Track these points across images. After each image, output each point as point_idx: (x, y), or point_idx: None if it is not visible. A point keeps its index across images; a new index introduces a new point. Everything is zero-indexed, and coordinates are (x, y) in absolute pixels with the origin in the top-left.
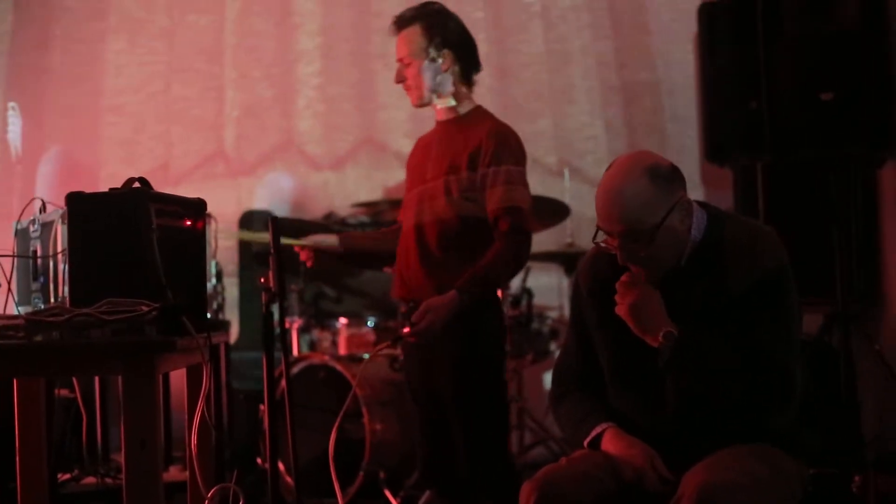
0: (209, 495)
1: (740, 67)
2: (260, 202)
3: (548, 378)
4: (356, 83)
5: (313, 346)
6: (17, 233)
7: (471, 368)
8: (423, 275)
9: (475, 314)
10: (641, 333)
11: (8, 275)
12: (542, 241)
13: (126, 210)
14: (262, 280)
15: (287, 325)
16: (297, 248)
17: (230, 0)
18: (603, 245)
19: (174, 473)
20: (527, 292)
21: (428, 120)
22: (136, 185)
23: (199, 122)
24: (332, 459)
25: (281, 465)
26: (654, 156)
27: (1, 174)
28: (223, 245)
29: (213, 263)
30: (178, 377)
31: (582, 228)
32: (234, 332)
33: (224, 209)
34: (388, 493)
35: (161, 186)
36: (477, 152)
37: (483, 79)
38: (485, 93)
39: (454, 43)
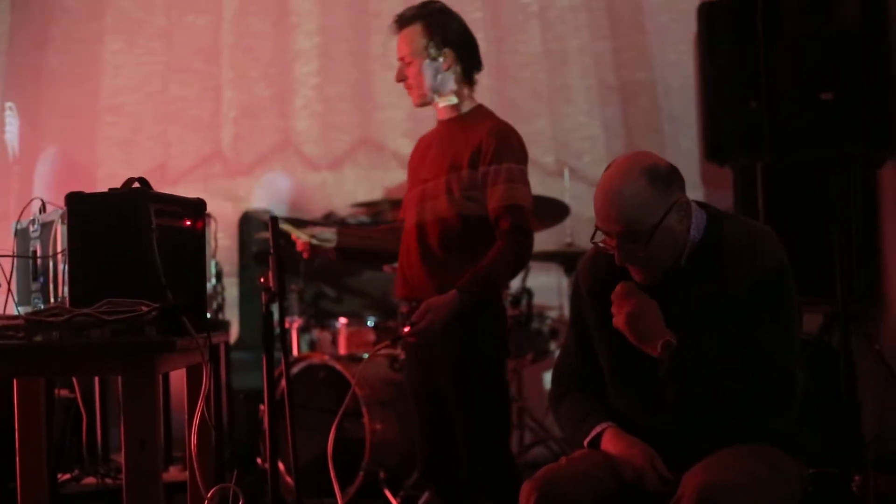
0: (209, 495)
1: (740, 67)
2: (257, 202)
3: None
4: (354, 83)
5: (313, 345)
6: (16, 233)
7: (471, 368)
8: (424, 274)
9: (476, 314)
10: (640, 344)
11: (8, 275)
12: (542, 240)
13: (126, 210)
14: (262, 280)
15: (287, 325)
16: (294, 237)
17: (227, 0)
18: (601, 245)
19: (174, 473)
20: (526, 292)
21: (426, 120)
22: (136, 185)
23: (196, 123)
24: (330, 459)
25: (281, 465)
26: (653, 156)
27: None
28: (223, 245)
29: (212, 263)
30: (178, 377)
31: (580, 228)
32: (233, 332)
33: (222, 209)
34: (388, 493)
35: (159, 187)
36: (478, 151)
37: (480, 79)
38: (482, 93)
39: (455, 42)
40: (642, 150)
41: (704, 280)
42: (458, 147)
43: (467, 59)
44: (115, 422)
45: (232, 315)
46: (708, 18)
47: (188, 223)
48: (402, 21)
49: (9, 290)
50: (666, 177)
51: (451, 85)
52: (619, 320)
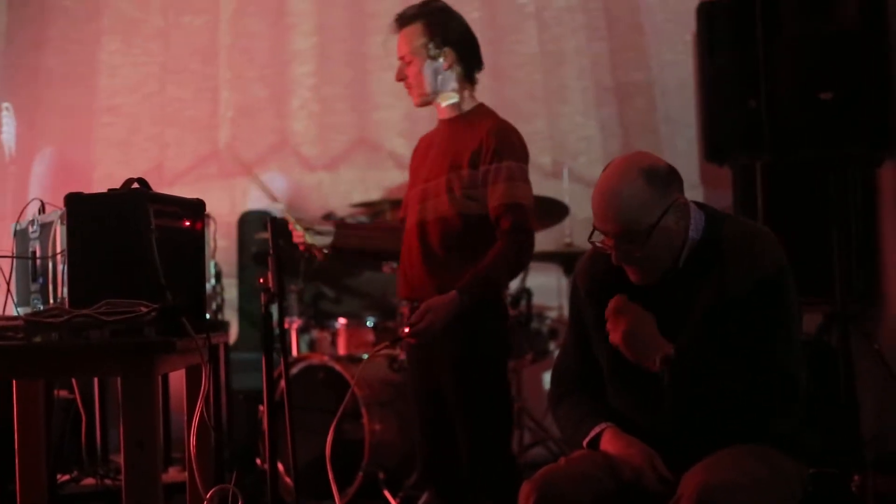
0: (208, 496)
1: (739, 67)
2: (254, 203)
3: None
4: (350, 83)
5: (312, 346)
6: (16, 233)
7: (471, 368)
8: (425, 274)
9: (476, 315)
10: (637, 360)
11: (7, 276)
12: (541, 241)
13: (125, 211)
14: (261, 280)
15: (286, 326)
16: (291, 226)
17: (224, 1)
18: (599, 245)
19: (173, 474)
20: (526, 292)
21: (422, 120)
22: (136, 185)
23: (193, 123)
24: (329, 460)
25: (280, 466)
26: (651, 157)
27: None
28: (220, 245)
29: (212, 264)
30: (178, 378)
31: (576, 229)
32: (233, 333)
33: (219, 210)
34: (387, 494)
35: (156, 187)
36: (478, 150)
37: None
38: (479, 93)
39: (455, 41)
40: (641, 151)
41: (703, 281)
42: (458, 146)
43: (468, 58)
44: (114, 423)
45: (231, 316)
46: (707, 18)
47: (187, 224)
48: (403, 20)
49: (8, 290)
50: (664, 177)
51: (452, 84)
52: (615, 337)
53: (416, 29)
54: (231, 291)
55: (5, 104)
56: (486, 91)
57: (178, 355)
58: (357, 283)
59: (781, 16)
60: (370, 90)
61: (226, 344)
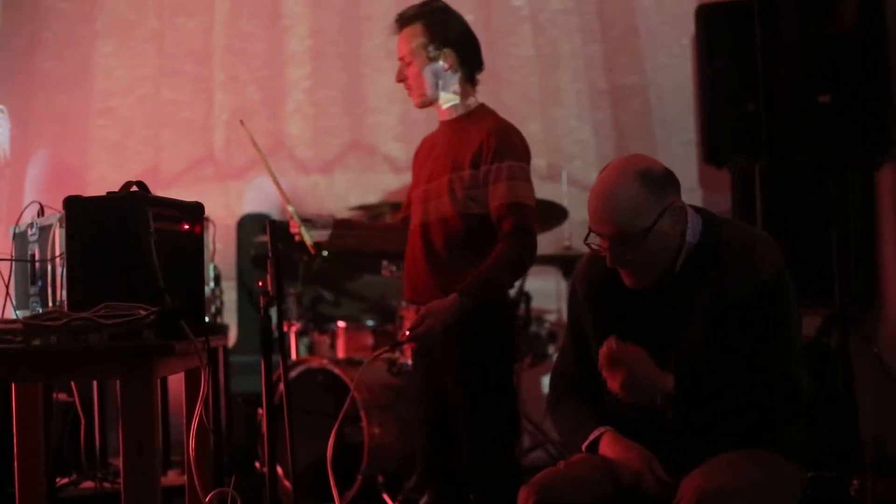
0: (207, 499)
1: (738, 70)
2: (249, 206)
3: (546, 381)
4: (345, 87)
5: (312, 349)
6: (15, 236)
7: (474, 373)
8: (429, 276)
9: (479, 318)
10: (642, 401)
11: (6, 279)
12: (540, 243)
13: (124, 214)
14: (260, 283)
15: (285, 329)
16: (289, 216)
17: (219, 2)
18: (594, 247)
19: (172, 478)
20: (525, 295)
21: (417, 123)
22: (134, 188)
23: (188, 126)
24: (330, 463)
25: (279, 470)
26: (648, 160)
27: None
28: (220, 248)
29: (211, 267)
30: (177, 381)
31: (575, 232)
32: (232, 336)
33: (215, 213)
34: (386, 498)
35: (151, 190)
36: (479, 150)
37: None
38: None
39: (455, 41)
40: (638, 154)
41: (702, 285)
42: (459, 147)
43: (468, 58)
44: (113, 426)
45: (230, 319)
46: (706, 21)
47: (186, 227)
48: (403, 20)
49: (7, 293)
50: (660, 180)
51: (452, 85)
52: (613, 386)
53: (415, 29)
54: (230, 294)
55: None
56: (481, 94)
57: (177, 358)
58: (356, 286)
59: (780, 19)
60: (365, 93)
61: (225, 347)
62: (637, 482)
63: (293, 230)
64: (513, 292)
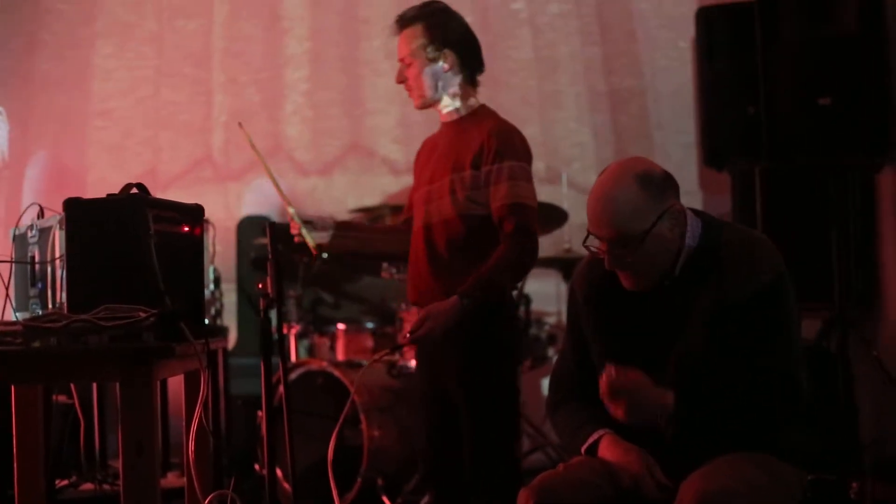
0: (206, 501)
1: (738, 72)
2: (248, 208)
3: (545, 384)
4: (344, 88)
5: (311, 351)
6: (14, 238)
7: (475, 375)
8: (431, 278)
9: (480, 319)
10: (645, 424)
11: (6, 281)
12: (540, 246)
13: (124, 216)
14: (260, 286)
15: (285, 331)
16: (289, 217)
17: (218, 4)
18: (593, 249)
19: (172, 480)
20: (524, 298)
21: (416, 125)
22: (134, 190)
23: (187, 127)
24: (330, 466)
25: (279, 472)
26: (647, 162)
27: None
28: (219, 250)
29: (210, 269)
30: (176, 383)
31: (574, 234)
32: (232, 338)
33: (214, 214)
34: (385, 500)
35: (149, 191)
36: (480, 151)
37: None
38: None
39: (456, 42)
40: (637, 156)
41: (701, 288)
42: (460, 148)
43: (469, 59)
44: (112, 428)
45: (230, 321)
46: (706, 23)
47: (186, 229)
48: (403, 21)
49: (7, 295)
50: (659, 183)
51: (452, 86)
52: (618, 415)
53: (415, 30)
54: (230, 297)
55: None
56: (480, 97)
57: (177, 360)
58: (356, 288)
59: (780, 21)
60: (364, 95)
61: (224, 349)
62: (636, 485)
63: (294, 231)
64: (514, 293)
